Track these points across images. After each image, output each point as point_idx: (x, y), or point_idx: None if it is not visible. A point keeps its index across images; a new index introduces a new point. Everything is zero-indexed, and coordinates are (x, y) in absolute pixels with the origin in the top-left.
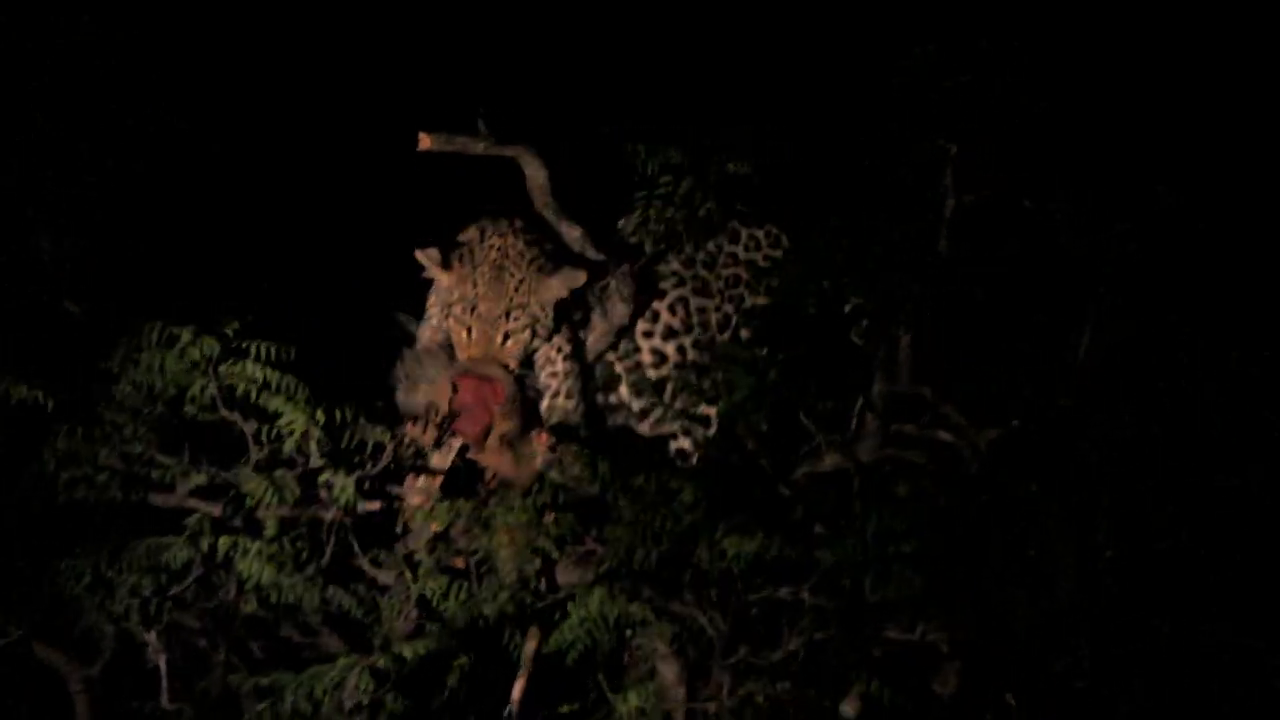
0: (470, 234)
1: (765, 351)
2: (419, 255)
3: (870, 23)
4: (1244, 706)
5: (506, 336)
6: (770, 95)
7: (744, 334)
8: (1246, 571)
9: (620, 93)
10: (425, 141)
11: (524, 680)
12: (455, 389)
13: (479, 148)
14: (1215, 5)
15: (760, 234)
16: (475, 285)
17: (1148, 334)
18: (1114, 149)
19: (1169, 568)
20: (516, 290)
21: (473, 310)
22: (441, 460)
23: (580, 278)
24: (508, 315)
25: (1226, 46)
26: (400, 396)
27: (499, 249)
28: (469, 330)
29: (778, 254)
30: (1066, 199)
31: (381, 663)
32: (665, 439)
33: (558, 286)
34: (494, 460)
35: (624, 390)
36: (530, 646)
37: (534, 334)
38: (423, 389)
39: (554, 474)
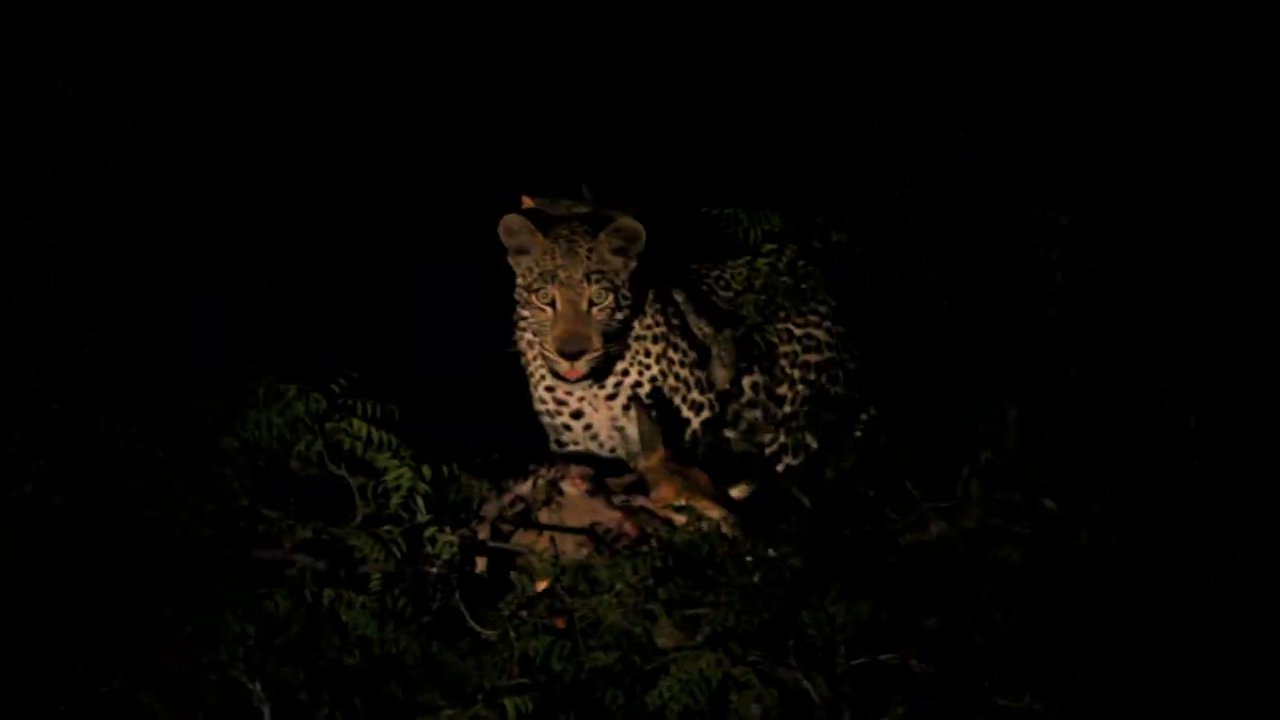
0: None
1: (871, 416)
2: (505, 223)
3: (866, 24)
4: (1244, 706)
5: (591, 303)
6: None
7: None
8: (1246, 571)
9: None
10: (527, 203)
11: None
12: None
13: (582, 210)
14: (1215, 6)
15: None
16: (554, 256)
17: (1147, 334)
18: (1114, 149)
19: (1169, 568)
20: (589, 256)
21: (554, 279)
22: (549, 517)
23: (638, 230)
24: (588, 278)
25: (1226, 47)
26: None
27: (566, 236)
28: (554, 302)
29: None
30: (1067, 200)
31: (483, 713)
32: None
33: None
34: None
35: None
36: None
37: (618, 304)
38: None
39: (664, 532)
